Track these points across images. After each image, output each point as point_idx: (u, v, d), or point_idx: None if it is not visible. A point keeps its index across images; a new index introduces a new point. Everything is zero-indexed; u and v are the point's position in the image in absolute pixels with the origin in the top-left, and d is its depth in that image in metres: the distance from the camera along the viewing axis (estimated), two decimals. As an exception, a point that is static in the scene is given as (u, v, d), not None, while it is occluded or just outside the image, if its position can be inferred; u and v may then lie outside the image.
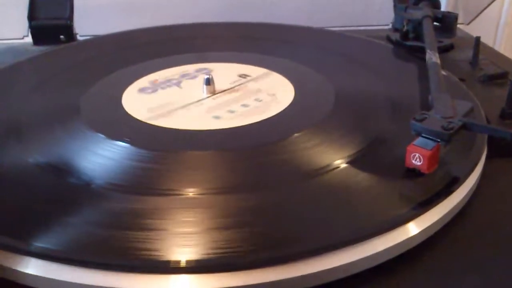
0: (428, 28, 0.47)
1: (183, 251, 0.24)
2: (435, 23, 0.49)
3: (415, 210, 0.27)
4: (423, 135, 0.29)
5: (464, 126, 0.29)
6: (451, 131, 0.28)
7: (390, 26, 0.60)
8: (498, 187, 0.32)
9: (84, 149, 0.32)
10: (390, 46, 0.52)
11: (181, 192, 0.28)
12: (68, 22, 0.57)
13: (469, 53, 0.49)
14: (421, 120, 0.29)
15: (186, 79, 0.44)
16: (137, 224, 0.26)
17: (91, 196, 0.28)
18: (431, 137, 0.29)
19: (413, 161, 0.29)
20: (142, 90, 0.41)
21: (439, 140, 0.28)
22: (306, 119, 0.36)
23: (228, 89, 0.41)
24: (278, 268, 0.24)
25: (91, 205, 0.28)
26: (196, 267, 0.23)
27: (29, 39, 0.58)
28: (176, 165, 0.31)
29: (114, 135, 0.33)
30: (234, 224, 0.26)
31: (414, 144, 0.29)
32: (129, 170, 0.30)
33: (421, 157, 0.28)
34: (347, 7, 0.69)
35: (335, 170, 0.30)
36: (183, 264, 0.23)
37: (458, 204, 0.29)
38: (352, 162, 0.30)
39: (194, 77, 0.44)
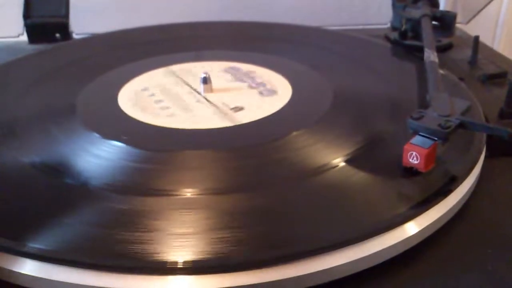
0: (427, 27, 0.46)
1: (181, 251, 0.24)
2: (433, 22, 0.49)
3: (414, 210, 0.26)
4: (420, 133, 0.29)
5: (462, 125, 0.29)
6: (449, 129, 0.28)
7: (388, 25, 0.59)
8: (497, 187, 0.32)
9: (80, 149, 0.32)
10: (389, 45, 0.51)
11: (178, 193, 0.28)
12: (64, 20, 0.56)
13: (468, 53, 0.49)
14: (418, 118, 0.29)
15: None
16: (134, 224, 0.25)
17: (86, 196, 0.28)
18: (428, 136, 0.28)
19: (410, 160, 0.28)
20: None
21: (436, 138, 0.28)
22: (304, 118, 0.35)
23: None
24: (276, 268, 0.23)
25: (86, 205, 0.27)
26: (193, 268, 0.23)
27: (24, 38, 0.58)
28: (172, 165, 0.31)
29: (110, 135, 0.33)
30: (232, 224, 0.25)
31: (411, 143, 0.28)
32: (126, 170, 0.30)
33: (418, 156, 0.28)
34: (346, 6, 0.69)
35: (333, 170, 0.29)
36: (180, 264, 0.23)
37: (457, 203, 0.28)
38: (349, 161, 0.30)
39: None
